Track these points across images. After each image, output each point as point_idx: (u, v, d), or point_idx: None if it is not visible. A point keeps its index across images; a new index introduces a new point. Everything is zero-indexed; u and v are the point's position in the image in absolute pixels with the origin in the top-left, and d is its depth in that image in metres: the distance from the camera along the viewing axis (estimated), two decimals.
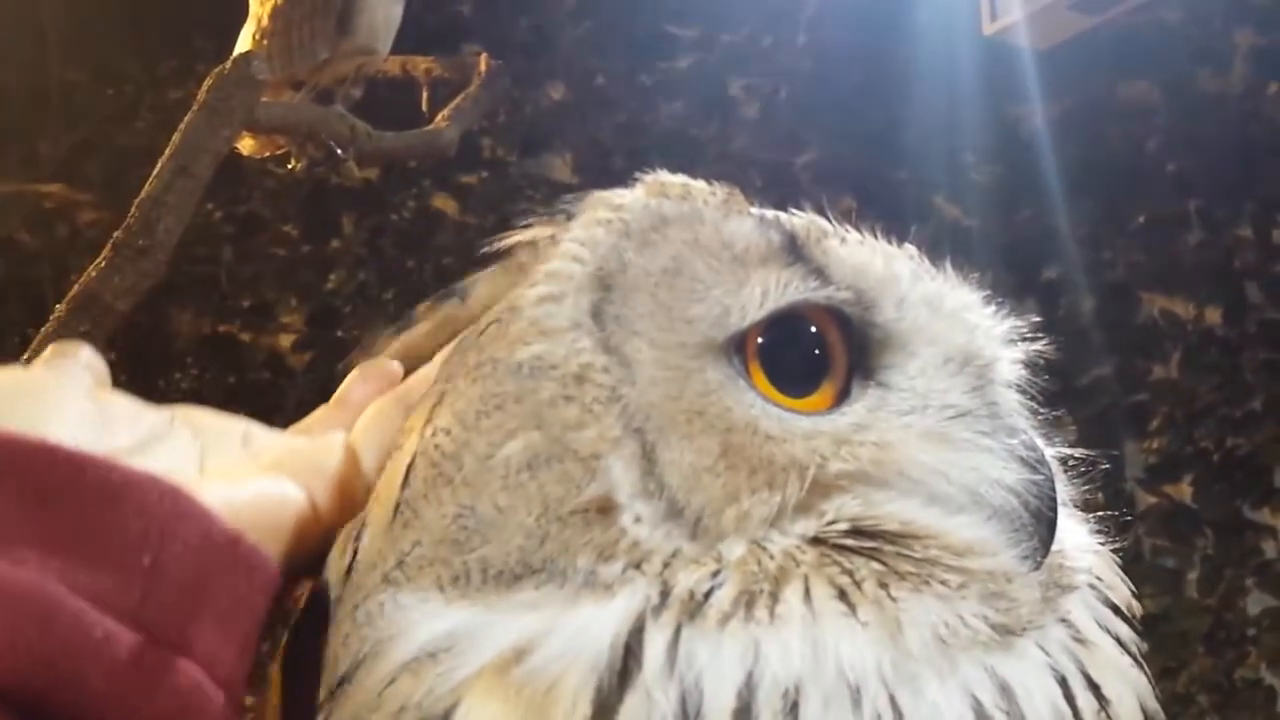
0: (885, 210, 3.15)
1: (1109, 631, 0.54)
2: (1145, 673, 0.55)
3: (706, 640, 0.44)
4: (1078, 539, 0.57)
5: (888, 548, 0.48)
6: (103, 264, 1.60)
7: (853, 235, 0.56)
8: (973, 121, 2.99)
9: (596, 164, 3.26)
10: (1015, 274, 3.11)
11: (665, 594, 0.45)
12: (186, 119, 1.67)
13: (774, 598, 0.45)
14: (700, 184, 0.56)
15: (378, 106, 2.46)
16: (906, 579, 0.47)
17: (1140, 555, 3.02)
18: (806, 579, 0.46)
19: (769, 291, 0.51)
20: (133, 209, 1.64)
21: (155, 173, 1.65)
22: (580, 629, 0.44)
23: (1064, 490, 0.57)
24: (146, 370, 3.13)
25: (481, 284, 0.55)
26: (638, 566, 0.46)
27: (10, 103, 3.14)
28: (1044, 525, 0.52)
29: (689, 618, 0.45)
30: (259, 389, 3.08)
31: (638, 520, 0.47)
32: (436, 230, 3.16)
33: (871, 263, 0.54)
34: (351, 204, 3.12)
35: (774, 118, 3.27)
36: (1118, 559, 0.60)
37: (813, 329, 0.53)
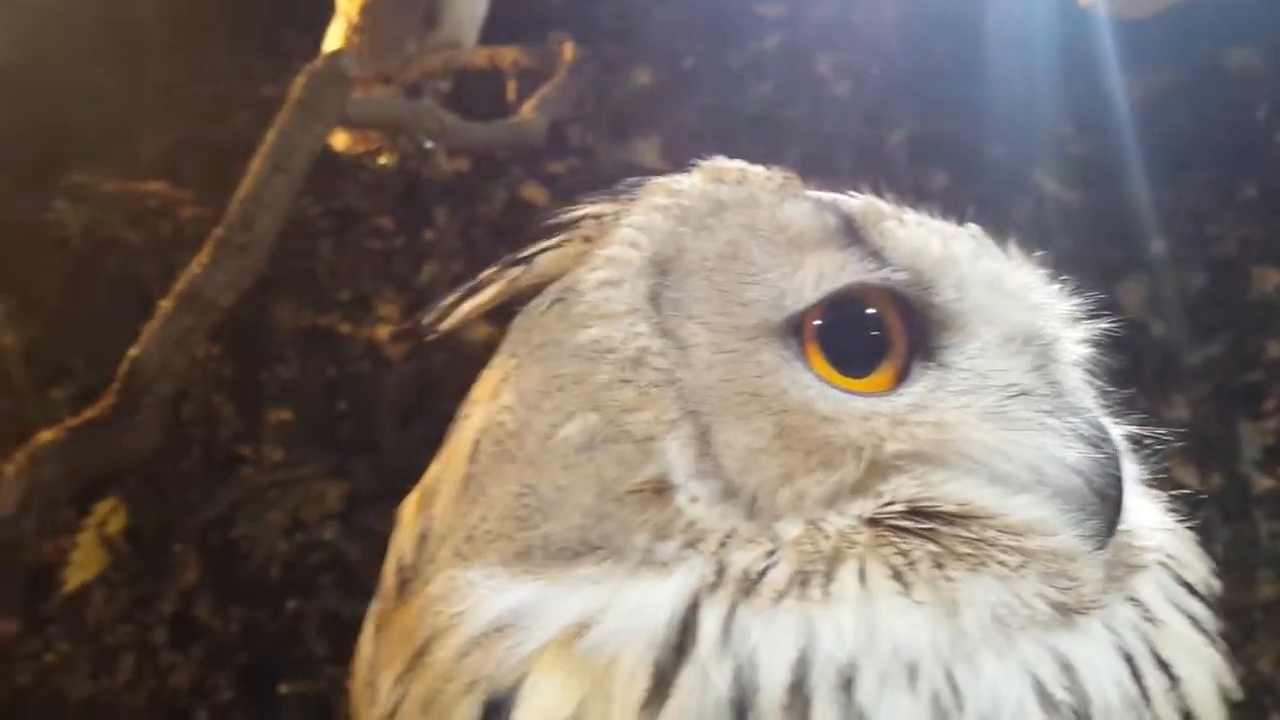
0: (982, 186, 3.11)
1: (1181, 610, 0.54)
2: (1220, 651, 0.54)
3: (761, 617, 0.45)
4: (1149, 518, 0.57)
5: (944, 528, 0.49)
6: (205, 261, 1.66)
7: (911, 216, 0.56)
8: (1071, 94, 2.92)
9: (685, 148, 3.25)
10: (1120, 249, 3.04)
11: (721, 572, 0.47)
12: (280, 117, 1.73)
13: (828, 577, 0.47)
14: (757, 169, 0.57)
15: (466, 99, 2.50)
16: (963, 559, 0.48)
17: (1257, 539, 2.93)
18: (862, 559, 0.47)
19: (824, 274, 0.52)
20: (231, 206, 1.70)
21: (251, 171, 1.71)
22: (638, 605, 0.46)
23: (1132, 469, 0.57)
24: (250, 362, 3.24)
25: (548, 254, 0.57)
26: (694, 545, 0.48)
27: (111, 103, 3.27)
28: (1109, 504, 0.52)
29: (744, 595, 0.46)
30: (358, 380, 3.16)
31: (693, 500, 0.48)
32: (527, 220, 3.20)
33: (929, 244, 0.54)
34: (444, 196, 3.18)
35: (864, 96, 3.24)
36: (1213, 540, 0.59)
37: (871, 311, 0.53)
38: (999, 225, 0.59)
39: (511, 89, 2.28)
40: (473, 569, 0.49)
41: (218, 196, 2.95)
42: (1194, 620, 0.54)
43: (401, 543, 0.54)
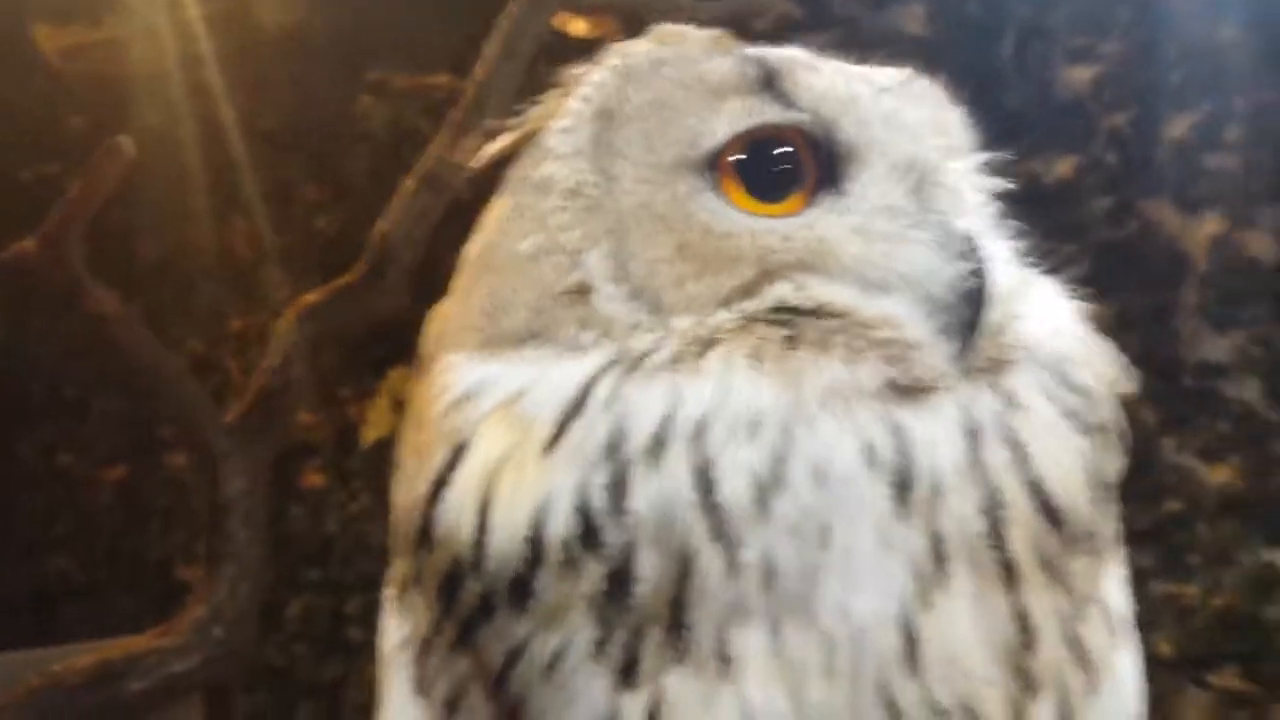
0: None
1: (1052, 400, 0.63)
2: (1098, 441, 0.63)
3: (639, 385, 0.60)
4: (1042, 325, 0.65)
5: (803, 321, 0.61)
6: (442, 143, 1.89)
7: (829, 66, 0.67)
8: None
9: (951, 12, 3.23)
10: None
11: (620, 355, 0.61)
12: (508, 7, 1.91)
13: (699, 356, 0.60)
14: (697, 31, 0.69)
15: None
16: (813, 344, 0.60)
17: None
18: (730, 344, 0.60)
19: (735, 117, 0.64)
20: (466, 91, 1.91)
21: (484, 56, 1.91)
22: (560, 379, 0.61)
23: (1008, 279, 0.65)
24: None
25: (539, 107, 0.71)
26: (607, 335, 0.62)
27: (404, 3, 3.61)
28: (968, 305, 0.62)
29: (631, 371, 0.60)
30: None
31: (609, 300, 0.63)
32: None
33: (834, 87, 0.65)
34: None
35: None
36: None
37: (785, 149, 0.65)
38: None
39: None
40: (457, 354, 0.66)
41: None
42: (1064, 408, 0.63)
43: (425, 339, 0.71)
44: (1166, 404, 2.74)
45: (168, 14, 3.58)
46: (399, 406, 3.29)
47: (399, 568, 0.68)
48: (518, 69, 1.92)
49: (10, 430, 3.86)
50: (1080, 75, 3.15)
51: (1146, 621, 0.72)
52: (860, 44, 3.37)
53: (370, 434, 3.17)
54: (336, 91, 3.69)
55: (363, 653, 3.53)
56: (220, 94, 3.66)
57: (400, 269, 1.83)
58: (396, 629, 0.68)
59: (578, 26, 2.24)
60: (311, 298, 1.82)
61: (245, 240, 3.84)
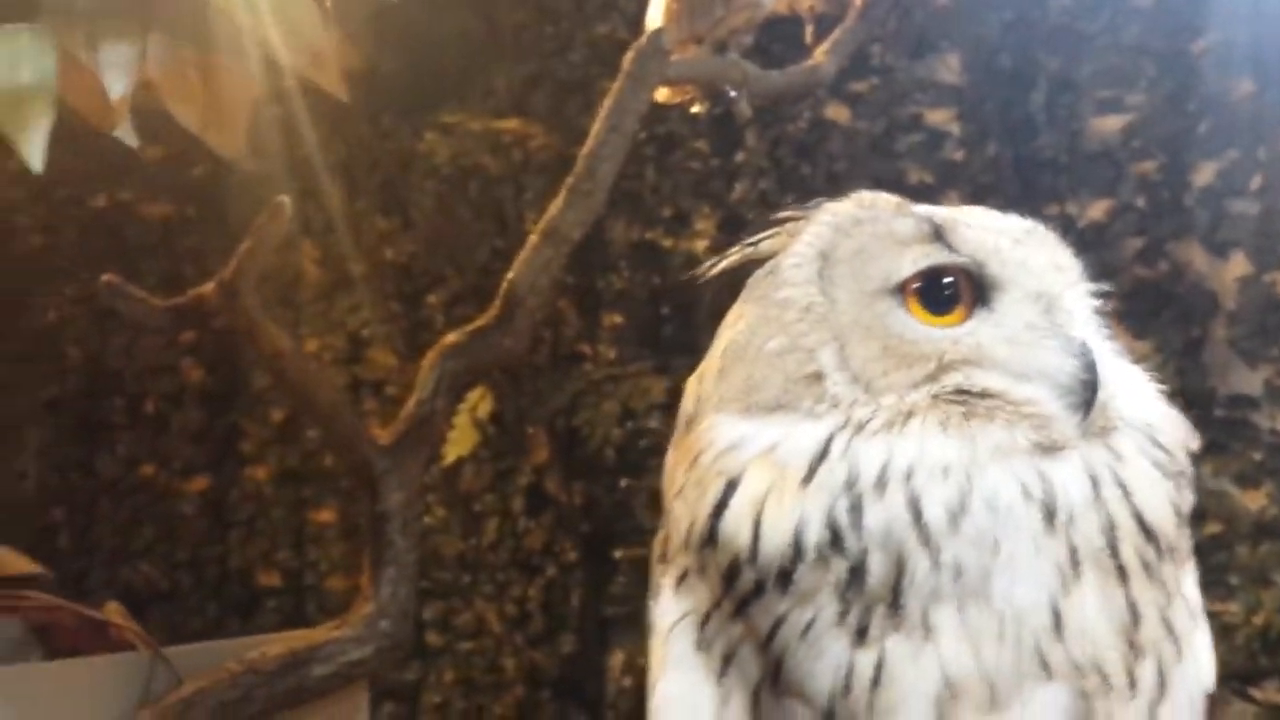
0: None
1: (1144, 454, 0.93)
2: (1178, 483, 0.93)
3: (865, 443, 0.90)
4: (1135, 401, 0.96)
5: (974, 399, 0.91)
6: (560, 204, 2.19)
7: (979, 221, 0.97)
8: None
9: (983, 63, 3.55)
10: None
11: (847, 421, 0.92)
12: (614, 87, 2.21)
13: (904, 424, 0.90)
14: (884, 196, 0.99)
15: (771, 41, 2.94)
16: (982, 416, 0.91)
17: None
18: (924, 415, 0.91)
19: (917, 259, 0.95)
20: (578, 161, 2.21)
21: (593, 132, 2.21)
22: (805, 436, 0.92)
23: (1111, 370, 0.95)
24: (589, 272, 3.86)
25: (768, 240, 1.02)
26: (835, 406, 0.93)
27: (470, 44, 3.93)
28: (1086, 390, 0.92)
29: (857, 432, 0.91)
30: (679, 289, 3.71)
31: (835, 384, 0.93)
32: (829, 138, 3.61)
33: (985, 239, 0.95)
34: (754, 118, 3.63)
35: (1169, 3, 3.37)
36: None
37: (949, 279, 0.95)
38: None
39: (809, 33, 2.68)
40: (722, 415, 0.96)
41: (561, 128, 3.54)
42: (1154, 461, 0.93)
43: (686, 401, 1.02)
44: (1202, 432, 3.03)
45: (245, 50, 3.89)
46: (479, 425, 3.61)
47: (679, 563, 0.99)
48: (624, 141, 2.22)
49: (95, 443, 4.14)
50: (1109, 124, 3.45)
51: None
52: (896, 93, 3.71)
53: (453, 451, 3.47)
54: (406, 129, 4.00)
55: (440, 657, 3.83)
56: (293, 127, 3.95)
57: (526, 314, 2.14)
58: (676, 607, 0.99)
59: (662, 94, 2.54)
60: (452, 338, 2.13)
61: (317, 266, 4.14)
